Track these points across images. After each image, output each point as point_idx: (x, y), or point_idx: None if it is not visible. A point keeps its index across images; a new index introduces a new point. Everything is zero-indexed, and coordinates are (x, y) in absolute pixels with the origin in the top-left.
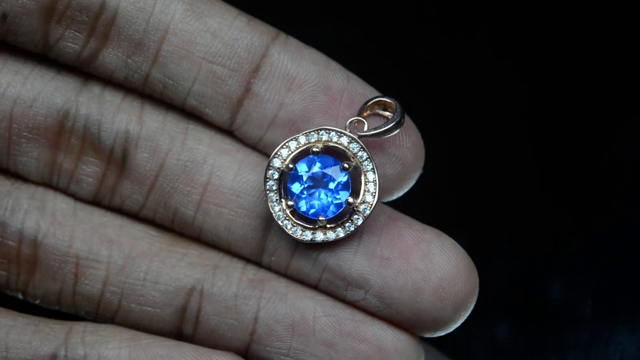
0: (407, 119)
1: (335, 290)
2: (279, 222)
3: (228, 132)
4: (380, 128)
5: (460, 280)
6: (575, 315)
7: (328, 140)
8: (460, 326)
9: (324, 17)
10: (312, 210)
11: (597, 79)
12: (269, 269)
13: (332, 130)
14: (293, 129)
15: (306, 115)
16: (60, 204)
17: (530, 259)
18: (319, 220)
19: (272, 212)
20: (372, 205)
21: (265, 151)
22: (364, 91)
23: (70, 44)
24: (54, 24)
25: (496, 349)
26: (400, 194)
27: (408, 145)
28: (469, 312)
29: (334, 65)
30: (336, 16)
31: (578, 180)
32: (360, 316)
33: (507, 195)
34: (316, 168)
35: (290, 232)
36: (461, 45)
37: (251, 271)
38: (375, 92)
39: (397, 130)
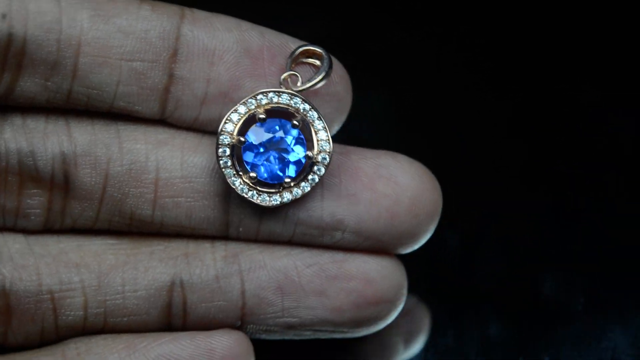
0: (331, 65)
1: (310, 240)
2: (244, 195)
3: (160, 121)
4: (314, 79)
5: (427, 191)
6: (567, 311)
7: (268, 103)
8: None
9: (307, 13)
10: (273, 174)
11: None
12: (238, 240)
13: (270, 91)
14: (227, 100)
15: (235, 84)
16: (14, 245)
17: (522, 255)
18: (285, 182)
19: (234, 187)
20: (329, 152)
21: (203, 129)
22: (281, 41)
23: None
24: None
25: (488, 346)
26: (339, 126)
27: (337, 80)
28: (436, 220)
29: (245, 25)
30: (319, 12)
31: (570, 173)
32: (340, 256)
33: (497, 190)
34: (267, 134)
35: (258, 201)
36: (445, 40)
37: (221, 248)
38: (290, 39)
39: (328, 75)
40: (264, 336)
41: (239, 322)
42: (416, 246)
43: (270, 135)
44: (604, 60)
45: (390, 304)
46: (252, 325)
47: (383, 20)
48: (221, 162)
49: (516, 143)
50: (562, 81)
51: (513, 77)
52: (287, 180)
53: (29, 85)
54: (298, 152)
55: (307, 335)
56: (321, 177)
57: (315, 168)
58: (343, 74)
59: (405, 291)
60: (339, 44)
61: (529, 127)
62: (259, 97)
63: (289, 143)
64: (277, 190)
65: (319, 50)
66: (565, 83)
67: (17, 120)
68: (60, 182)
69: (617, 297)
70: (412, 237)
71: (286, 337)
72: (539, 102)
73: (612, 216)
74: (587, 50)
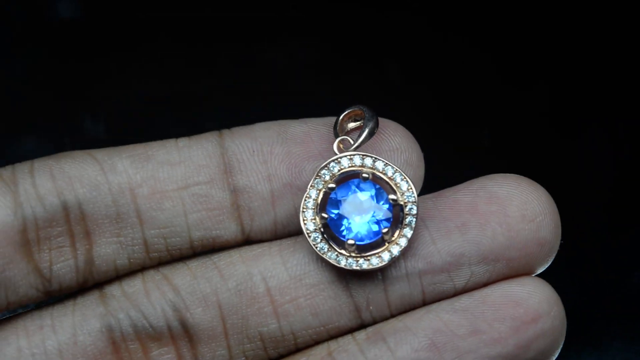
0: (375, 114)
1: (443, 290)
2: (355, 267)
3: (246, 242)
4: (361, 135)
5: (532, 193)
6: None
7: (341, 169)
8: None
9: (291, 36)
10: (348, 234)
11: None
12: (374, 322)
13: (341, 157)
14: (294, 189)
15: (295, 171)
16: None
17: None
18: (383, 233)
19: (341, 265)
20: (414, 200)
21: (286, 230)
22: (324, 121)
23: (62, 262)
24: (37, 254)
25: None
26: (421, 179)
27: (391, 133)
28: (557, 214)
29: (283, 121)
30: (302, 34)
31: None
32: (478, 293)
33: None
34: (365, 195)
35: (370, 267)
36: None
37: (362, 333)
38: (329, 117)
39: (376, 128)
40: None
41: None
42: (551, 253)
43: (348, 198)
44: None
45: (548, 317)
46: None
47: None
48: (317, 248)
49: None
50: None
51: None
52: (385, 231)
53: (104, 248)
54: (382, 202)
55: None
56: (417, 216)
57: (407, 209)
58: (396, 127)
59: (559, 303)
60: None
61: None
62: (331, 165)
63: (370, 198)
64: (382, 248)
65: (358, 109)
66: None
67: (116, 291)
68: (179, 331)
69: (593, 326)
70: (539, 243)
71: None
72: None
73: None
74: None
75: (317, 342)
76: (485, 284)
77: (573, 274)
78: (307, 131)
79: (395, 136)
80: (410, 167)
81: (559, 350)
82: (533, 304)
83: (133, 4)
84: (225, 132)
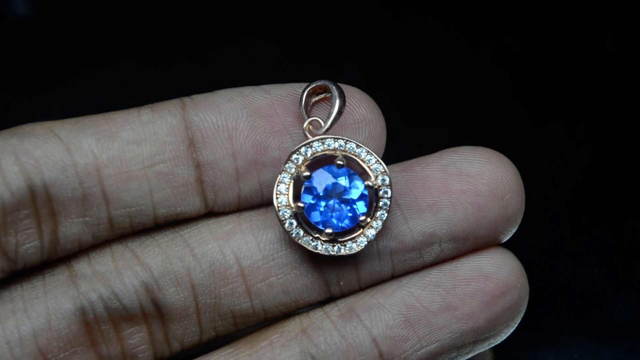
0: (342, 91)
1: (412, 265)
2: (331, 253)
3: (210, 214)
4: (331, 114)
5: (501, 170)
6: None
7: (314, 153)
8: None
9: (249, 34)
10: (347, 220)
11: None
12: (343, 295)
13: (312, 142)
14: (259, 166)
15: (260, 147)
16: None
17: None
18: (360, 221)
19: (318, 251)
20: (385, 172)
21: (250, 204)
22: (288, 91)
23: (28, 244)
24: (3, 238)
25: None
26: (383, 148)
27: (357, 104)
28: (523, 188)
29: (246, 90)
30: (261, 32)
31: None
32: (448, 266)
33: None
34: (320, 187)
35: (347, 252)
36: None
37: (334, 309)
38: (296, 85)
39: (344, 106)
40: None
41: None
42: (515, 226)
43: (323, 186)
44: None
45: (516, 289)
46: None
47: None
48: (293, 235)
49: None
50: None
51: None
52: (362, 218)
53: (70, 228)
54: (358, 187)
55: (459, 357)
56: (391, 199)
57: (382, 192)
58: (361, 96)
59: (524, 273)
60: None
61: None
62: (302, 149)
63: (345, 184)
64: (358, 232)
65: (324, 83)
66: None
67: (85, 270)
68: (152, 311)
69: (550, 323)
70: (507, 219)
71: None
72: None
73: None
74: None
75: (285, 314)
76: (453, 258)
77: (532, 269)
78: (271, 103)
79: (360, 107)
80: (374, 139)
81: (519, 320)
82: (502, 277)
83: (89, 3)
84: (187, 102)
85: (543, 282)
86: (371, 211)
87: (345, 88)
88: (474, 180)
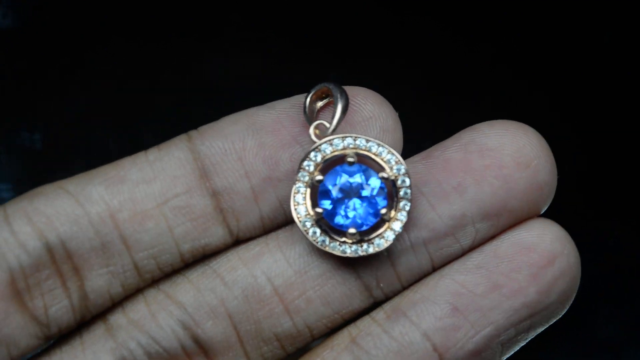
0: (343, 88)
1: (451, 252)
2: (361, 254)
3: (238, 242)
4: (335, 115)
5: (523, 137)
6: None
7: (324, 157)
8: None
9: (231, 44)
10: (346, 222)
11: None
12: (387, 297)
13: (320, 145)
14: (274, 181)
15: (272, 163)
16: None
17: None
18: (382, 214)
19: (346, 255)
20: (402, 165)
21: (274, 223)
22: (292, 103)
23: (57, 305)
24: (30, 302)
25: None
26: (400, 142)
27: (362, 101)
28: (550, 153)
29: (250, 110)
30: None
31: None
32: (488, 246)
33: None
34: (335, 189)
35: (377, 250)
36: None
37: (380, 312)
38: (299, 96)
39: (347, 104)
40: None
41: None
42: (550, 193)
43: (338, 187)
44: None
45: (563, 256)
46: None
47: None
48: (319, 243)
49: None
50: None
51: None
52: (384, 211)
53: (96, 281)
54: (373, 181)
55: (517, 340)
56: (411, 187)
57: (400, 182)
58: (366, 94)
59: (570, 239)
60: None
61: None
62: (312, 154)
63: (360, 180)
64: (384, 227)
65: (324, 87)
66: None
67: (121, 320)
68: (194, 348)
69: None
70: (539, 187)
71: (504, 356)
72: None
73: None
74: None
75: (332, 329)
76: (492, 237)
77: None
78: (277, 118)
79: (367, 104)
80: (387, 133)
81: (577, 288)
82: (545, 246)
83: (71, 15)
84: (193, 134)
85: None
86: (392, 203)
87: (350, 88)
88: (495, 154)
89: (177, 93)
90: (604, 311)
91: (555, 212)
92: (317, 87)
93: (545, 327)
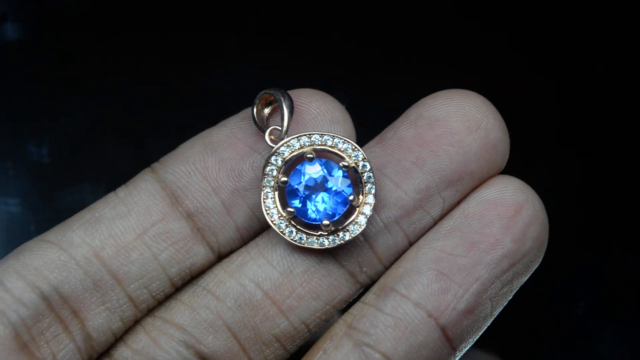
0: (284, 91)
1: (424, 225)
2: (339, 243)
3: (219, 257)
4: (283, 118)
5: (467, 103)
6: None
7: (285, 161)
8: None
9: (236, 57)
10: (318, 215)
11: None
12: (372, 280)
13: (279, 148)
14: (242, 192)
15: (235, 175)
16: None
17: None
18: (350, 200)
19: (324, 247)
20: (356, 149)
21: (251, 233)
22: (242, 116)
23: (64, 350)
24: (37, 352)
25: None
26: (353, 131)
27: (307, 100)
28: (496, 111)
29: (204, 132)
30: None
31: None
32: (456, 211)
33: None
34: (302, 185)
35: (354, 236)
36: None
37: (369, 294)
38: (246, 110)
39: (292, 104)
40: (484, 321)
41: (439, 333)
42: (506, 149)
43: (303, 184)
44: None
45: (528, 203)
46: (456, 324)
47: None
48: (297, 241)
49: None
50: None
51: None
52: (351, 197)
53: (96, 320)
54: (335, 171)
55: (503, 293)
56: (372, 170)
57: (361, 168)
58: (309, 93)
59: (530, 188)
60: None
61: None
62: (272, 159)
63: (322, 173)
64: (355, 213)
65: (267, 93)
66: None
67: (126, 352)
68: None
69: None
70: (493, 145)
71: (495, 312)
72: None
73: None
74: None
75: (327, 321)
76: (458, 202)
77: (518, 303)
78: (230, 133)
79: (312, 102)
80: (337, 124)
81: (548, 233)
82: (509, 198)
83: (78, 28)
84: (156, 165)
85: (529, 316)
86: (358, 189)
87: (293, 91)
88: (444, 123)
89: (184, 105)
90: (607, 331)
91: (560, 236)
92: (260, 95)
93: (526, 277)
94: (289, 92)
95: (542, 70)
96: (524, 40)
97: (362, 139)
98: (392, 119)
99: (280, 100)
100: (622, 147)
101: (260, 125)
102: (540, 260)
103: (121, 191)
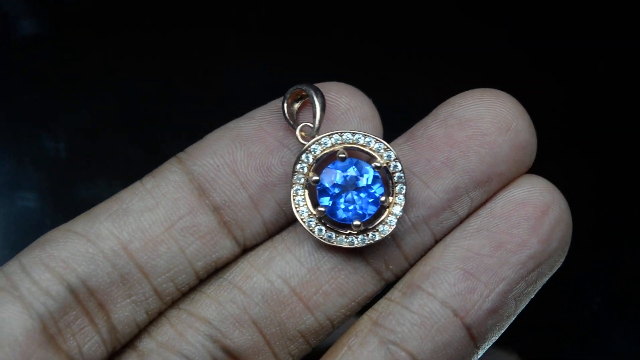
0: (317, 87)
1: (450, 224)
2: (369, 242)
3: (244, 251)
4: (315, 115)
5: (497, 102)
6: None
7: (315, 159)
8: None
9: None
10: (348, 215)
11: None
12: (397, 278)
13: (309, 146)
14: (270, 186)
15: (264, 170)
16: None
17: None
18: (381, 202)
19: (354, 246)
20: (388, 149)
21: (277, 227)
22: (271, 109)
23: (90, 342)
24: (64, 345)
25: None
26: (380, 128)
27: (337, 96)
28: (526, 112)
29: (231, 123)
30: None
31: None
32: (484, 210)
33: None
34: (336, 182)
35: (384, 236)
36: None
37: (395, 291)
38: (276, 101)
39: (324, 101)
40: (507, 320)
41: (464, 332)
42: (533, 151)
43: (334, 183)
44: None
45: (555, 204)
46: (481, 323)
47: None
48: (326, 239)
49: None
50: None
51: None
52: (383, 198)
53: (122, 312)
54: (367, 171)
55: (527, 292)
56: (403, 170)
57: (392, 168)
58: (339, 87)
59: (556, 189)
60: None
61: None
62: (303, 156)
63: (354, 173)
64: (385, 213)
65: (298, 88)
66: None
67: (151, 344)
68: (225, 359)
69: None
70: (522, 147)
71: (518, 311)
72: None
73: None
74: None
75: (350, 317)
76: (485, 202)
77: (532, 299)
78: (258, 126)
79: (342, 97)
80: (366, 120)
81: (571, 234)
82: (537, 198)
83: (92, 23)
84: (183, 155)
85: (544, 312)
86: (389, 189)
87: (322, 85)
88: (475, 123)
89: (197, 100)
90: (619, 326)
91: (577, 232)
92: (291, 90)
93: (549, 277)
94: (317, 84)
95: (545, 68)
96: (527, 37)
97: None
98: (396, 116)
99: (313, 97)
100: (628, 144)
101: (290, 120)
102: (563, 260)
103: (148, 182)
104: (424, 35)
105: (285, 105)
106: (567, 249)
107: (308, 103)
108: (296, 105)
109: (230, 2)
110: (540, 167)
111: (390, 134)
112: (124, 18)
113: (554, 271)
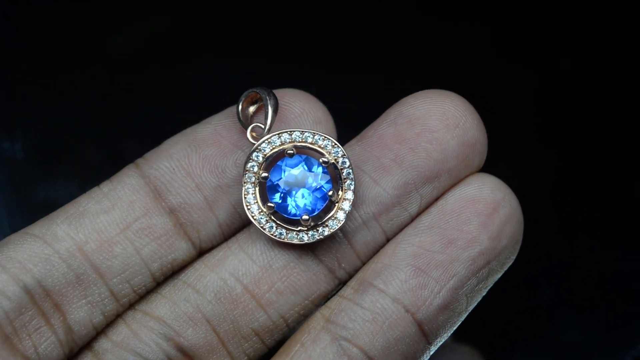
0: (270, 90)
1: (402, 222)
2: (318, 238)
3: (200, 253)
4: (267, 116)
5: (446, 102)
6: None
7: (265, 157)
8: None
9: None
10: (298, 211)
11: None
12: (350, 276)
13: (258, 146)
14: (224, 188)
15: (219, 172)
16: None
17: None
18: (330, 196)
19: (304, 242)
20: (336, 145)
21: (232, 229)
22: (226, 115)
23: (46, 342)
24: (20, 344)
25: None
26: (334, 130)
27: (292, 99)
28: (475, 111)
29: (188, 129)
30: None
31: None
32: (435, 208)
33: None
34: (282, 179)
35: (333, 230)
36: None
37: (347, 288)
38: (231, 108)
39: (277, 103)
40: (459, 317)
41: (416, 328)
42: (483, 147)
43: (283, 180)
44: None
45: (505, 201)
46: (432, 319)
47: None
48: (277, 236)
49: None
50: None
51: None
52: (330, 193)
53: (77, 313)
54: (315, 168)
55: (478, 289)
56: (352, 167)
57: (340, 164)
58: (293, 93)
59: (507, 187)
60: None
61: None
62: (253, 155)
63: (303, 169)
64: (334, 209)
65: (253, 92)
66: None
67: (106, 344)
68: (179, 357)
69: None
70: (470, 143)
71: (470, 307)
72: None
73: None
74: None
75: (306, 316)
76: (436, 199)
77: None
78: (214, 130)
79: (295, 102)
80: (319, 124)
81: (522, 231)
82: (487, 195)
83: (52, 23)
84: (140, 161)
85: (495, 303)
86: (337, 185)
87: (277, 91)
88: (423, 121)
89: (159, 102)
90: (569, 317)
91: (528, 225)
92: (246, 93)
93: (501, 274)
94: (275, 90)
95: (511, 67)
96: (501, 38)
97: (340, 139)
98: (370, 119)
99: (266, 98)
100: (582, 137)
101: (244, 123)
102: (514, 257)
103: (105, 186)
104: (399, 38)
105: (239, 107)
106: (518, 246)
107: (263, 107)
108: (251, 109)
109: (195, 8)
110: (492, 163)
111: (353, 137)
112: (86, 20)
113: (505, 268)
